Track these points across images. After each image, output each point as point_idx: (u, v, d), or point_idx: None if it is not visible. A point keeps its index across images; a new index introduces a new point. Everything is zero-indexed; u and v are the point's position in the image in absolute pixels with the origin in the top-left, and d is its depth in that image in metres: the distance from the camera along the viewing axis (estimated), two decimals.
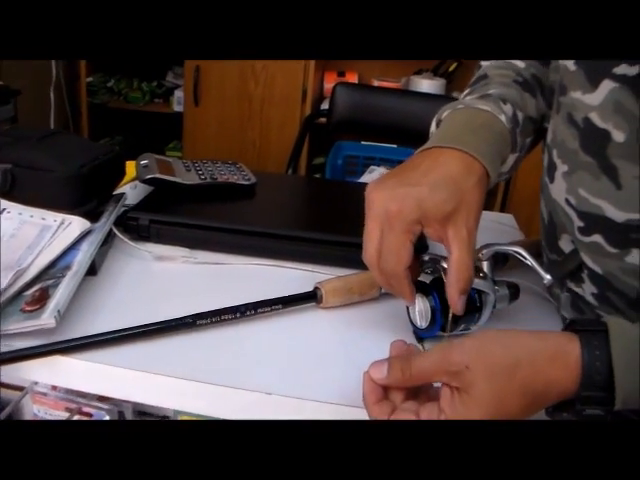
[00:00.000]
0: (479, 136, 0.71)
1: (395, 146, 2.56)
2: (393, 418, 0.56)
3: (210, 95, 2.78)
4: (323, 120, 2.31)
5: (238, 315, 0.71)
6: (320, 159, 2.89)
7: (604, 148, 0.66)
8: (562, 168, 0.73)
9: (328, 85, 2.88)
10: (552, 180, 0.75)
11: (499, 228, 1.15)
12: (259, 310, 0.73)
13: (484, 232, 1.13)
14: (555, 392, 0.54)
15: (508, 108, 0.77)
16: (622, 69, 0.63)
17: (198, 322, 0.69)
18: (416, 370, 0.56)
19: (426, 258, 0.72)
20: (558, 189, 0.74)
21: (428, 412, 0.55)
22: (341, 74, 2.95)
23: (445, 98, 2.55)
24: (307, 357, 0.70)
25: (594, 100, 0.67)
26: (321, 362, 0.69)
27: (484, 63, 0.87)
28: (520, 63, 0.84)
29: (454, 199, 0.65)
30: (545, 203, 0.80)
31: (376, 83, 2.87)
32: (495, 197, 2.64)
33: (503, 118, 0.74)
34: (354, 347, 0.73)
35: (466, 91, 0.82)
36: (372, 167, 2.52)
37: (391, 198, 0.65)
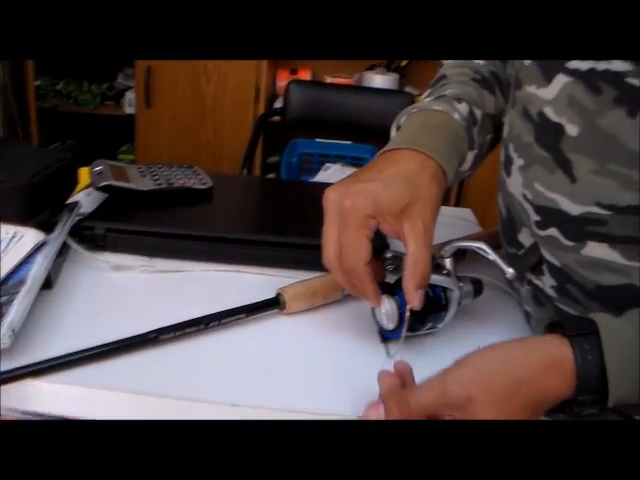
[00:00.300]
0: (434, 135, 0.72)
1: (350, 142, 2.57)
2: None
3: (162, 96, 2.74)
4: (277, 118, 2.30)
5: (202, 327, 0.70)
6: (275, 157, 2.87)
7: (558, 142, 0.66)
8: (518, 162, 0.73)
9: (281, 83, 2.86)
10: (509, 174, 0.76)
11: (458, 223, 1.15)
12: (223, 321, 0.71)
13: (443, 228, 1.12)
14: (553, 398, 0.55)
15: (463, 107, 0.77)
16: (575, 63, 0.64)
17: (161, 337, 0.67)
18: (414, 406, 0.56)
19: (388, 255, 0.72)
20: (515, 183, 0.74)
21: None
22: (294, 71, 2.93)
23: (399, 93, 2.55)
24: (273, 366, 0.69)
25: (548, 94, 0.67)
26: (287, 370, 0.68)
27: (445, 62, 0.88)
28: (479, 60, 0.85)
29: (408, 194, 0.65)
30: (503, 198, 0.80)
31: (329, 80, 2.86)
32: (450, 192, 2.64)
33: (457, 117, 0.75)
34: (320, 352, 0.72)
35: (426, 92, 0.83)
36: (327, 164, 2.51)
37: (345, 195, 0.66)
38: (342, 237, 0.66)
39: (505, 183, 0.77)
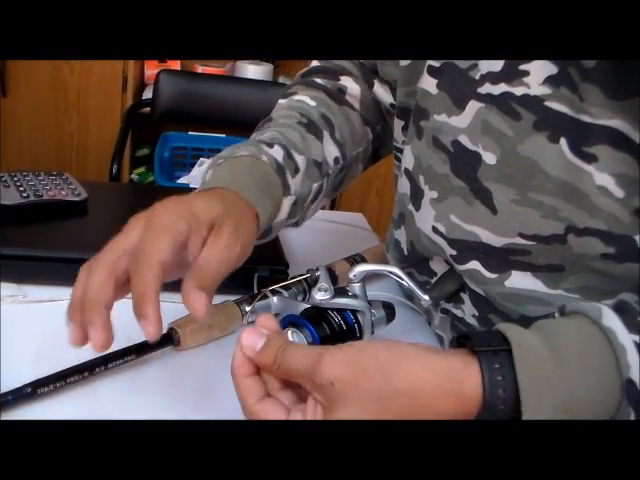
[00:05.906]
0: (243, 177, 0.65)
1: (224, 135, 2.49)
2: (259, 407, 0.50)
3: (19, 84, 2.53)
4: (146, 109, 2.19)
5: (86, 374, 0.60)
6: (144, 150, 2.73)
7: (475, 171, 0.62)
8: (430, 195, 0.68)
9: (150, 72, 2.71)
10: (418, 208, 0.71)
11: (351, 231, 1.10)
12: (109, 365, 0.62)
13: (338, 237, 1.07)
14: (444, 418, 0.47)
15: (276, 150, 0.70)
16: (486, 88, 0.60)
17: (39, 391, 0.57)
18: (286, 365, 0.49)
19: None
20: (424, 217, 0.69)
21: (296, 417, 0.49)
22: (162, 60, 2.80)
23: (273, 84, 2.48)
24: (169, 411, 0.61)
25: (462, 122, 0.63)
26: (185, 415, 0.60)
27: (278, 102, 0.82)
28: (311, 102, 0.79)
29: (220, 206, 0.58)
30: (406, 232, 0.75)
31: (200, 69, 2.74)
32: None
33: (265, 159, 0.68)
34: (220, 392, 0.64)
35: (252, 135, 0.76)
36: (202, 159, 2.43)
37: None
38: None
39: (412, 217, 0.72)
